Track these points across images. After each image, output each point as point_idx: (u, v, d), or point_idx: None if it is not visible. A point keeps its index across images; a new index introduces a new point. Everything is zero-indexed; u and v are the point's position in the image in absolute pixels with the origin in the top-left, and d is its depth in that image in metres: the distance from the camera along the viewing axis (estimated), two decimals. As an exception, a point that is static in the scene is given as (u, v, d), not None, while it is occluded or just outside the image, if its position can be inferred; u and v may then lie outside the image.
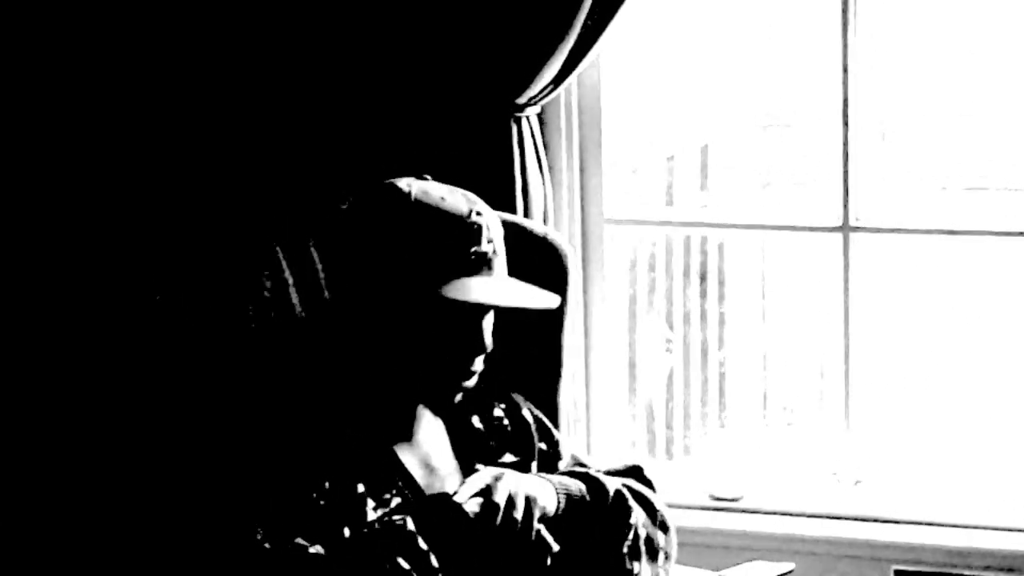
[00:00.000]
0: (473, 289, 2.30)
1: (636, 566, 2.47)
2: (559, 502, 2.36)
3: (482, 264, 2.32)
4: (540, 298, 2.39)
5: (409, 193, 2.32)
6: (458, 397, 2.40)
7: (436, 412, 2.49)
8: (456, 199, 2.34)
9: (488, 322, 2.38)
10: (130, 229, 3.42)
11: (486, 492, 2.28)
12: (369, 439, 2.37)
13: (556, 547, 2.30)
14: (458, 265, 2.30)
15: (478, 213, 2.33)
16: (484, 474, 2.32)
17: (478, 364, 2.38)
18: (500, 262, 2.36)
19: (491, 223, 2.35)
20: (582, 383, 3.53)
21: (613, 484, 2.46)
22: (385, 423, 2.41)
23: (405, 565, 2.20)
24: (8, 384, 3.37)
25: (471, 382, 2.39)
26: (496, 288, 2.33)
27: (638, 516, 2.46)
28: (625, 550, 2.44)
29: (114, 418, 2.58)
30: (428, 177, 2.38)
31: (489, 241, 2.33)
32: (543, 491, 2.34)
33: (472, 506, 2.26)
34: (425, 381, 2.38)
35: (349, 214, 2.35)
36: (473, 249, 2.31)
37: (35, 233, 3.47)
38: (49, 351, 3.36)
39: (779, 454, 4.91)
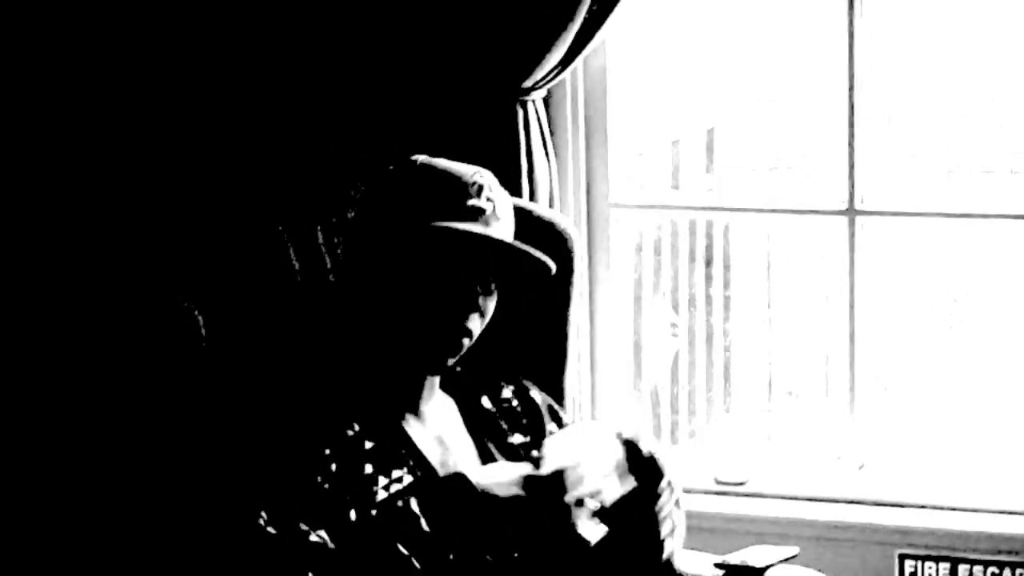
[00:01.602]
0: (460, 225, 2.31)
1: (668, 525, 2.45)
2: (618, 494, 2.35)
3: (477, 215, 2.34)
4: (534, 250, 2.37)
5: (416, 160, 2.38)
6: (451, 360, 2.38)
7: (445, 388, 2.49)
8: (463, 167, 2.38)
9: (494, 299, 2.39)
10: (133, 221, 3.42)
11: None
12: (376, 417, 2.38)
13: (594, 539, 2.26)
14: (451, 211, 2.32)
15: (481, 176, 2.36)
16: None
17: (473, 323, 2.36)
18: (502, 229, 2.37)
19: (495, 189, 2.37)
20: (587, 367, 3.53)
21: (647, 447, 2.42)
22: (393, 400, 2.40)
23: (404, 551, 2.19)
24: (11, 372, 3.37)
25: (465, 342, 2.37)
26: (486, 230, 2.34)
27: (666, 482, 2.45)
28: (659, 508, 2.42)
29: (118, 405, 2.58)
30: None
31: (489, 200, 2.35)
32: (607, 484, 2.32)
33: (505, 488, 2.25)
34: (417, 335, 2.35)
35: (366, 188, 2.39)
36: (470, 202, 2.34)
37: (41, 231, 3.46)
38: (57, 343, 3.36)
39: (784, 438, 4.92)
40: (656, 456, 2.42)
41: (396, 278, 2.34)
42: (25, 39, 3.48)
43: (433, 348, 2.37)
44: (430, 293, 2.33)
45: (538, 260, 2.37)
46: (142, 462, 2.51)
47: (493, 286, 2.38)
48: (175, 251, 2.75)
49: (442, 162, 2.38)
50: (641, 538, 2.43)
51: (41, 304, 3.40)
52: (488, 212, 2.34)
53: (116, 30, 3.46)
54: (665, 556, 2.49)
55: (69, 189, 3.47)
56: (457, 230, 2.31)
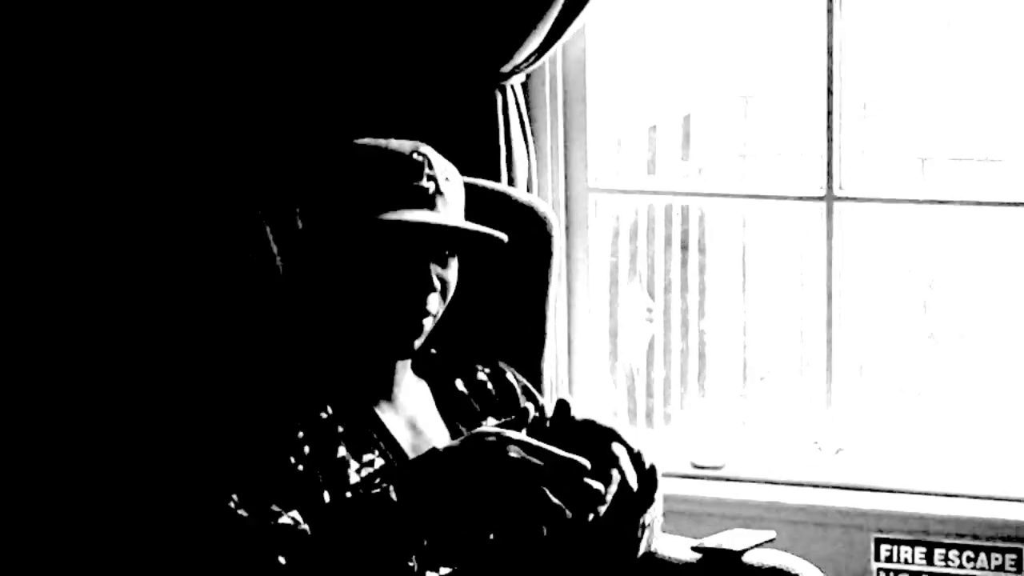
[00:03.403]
0: (408, 216, 2.30)
1: (648, 533, 2.46)
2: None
3: (423, 198, 2.33)
4: (482, 227, 2.37)
5: (354, 142, 2.37)
6: (417, 342, 2.37)
7: (418, 371, 2.49)
8: (401, 143, 2.37)
9: (453, 268, 2.38)
10: (107, 199, 3.42)
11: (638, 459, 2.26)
12: (348, 401, 2.38)
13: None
14: (397, 197, 2.31)
15: (421, 153, 2.35)
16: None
17: (432, 303, 2.36)
18: (448, 205, 2.36)
19: (438, 164, 2.37)
20: (564, 351, 3.54)
21: (649, 458, 2.38)
22: (365, 385, 2.40)
23: (381, 532, 2.16)
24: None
25: (427, 323, 2.37)
26: (435, 217, 2.33)
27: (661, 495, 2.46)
28: (648, 521, 2.43)
29: (92, 388, 2.58)
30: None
31: (431, 178, 2.34)
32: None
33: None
34: (378, 321, 2.35)
35: (307, 172, 2.40)
36: (414, 183, 2.33)
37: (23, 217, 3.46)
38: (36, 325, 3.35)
39: (760, 423, 4.93)
40: (655, 468, 2.42)
41: (349, 269, 2.34)
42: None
43: (396, 334, 2.37)
44: (385, 282, 2.33)
45: (489, 235, 2.37)
46: (115, 445, 2.51)
47: (449, 258, 2.38)
48: (151, 233, 2.74)
49: (380, 142, 2.37)
50: (618, 537, 2.44)
51: (10, 285, 3.40)
52: (432, 190, 2.34)
53: (90, 13, 3.45)
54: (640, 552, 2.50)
55: (48, 177, 3.47)
56: (407, 222, 2.30)
